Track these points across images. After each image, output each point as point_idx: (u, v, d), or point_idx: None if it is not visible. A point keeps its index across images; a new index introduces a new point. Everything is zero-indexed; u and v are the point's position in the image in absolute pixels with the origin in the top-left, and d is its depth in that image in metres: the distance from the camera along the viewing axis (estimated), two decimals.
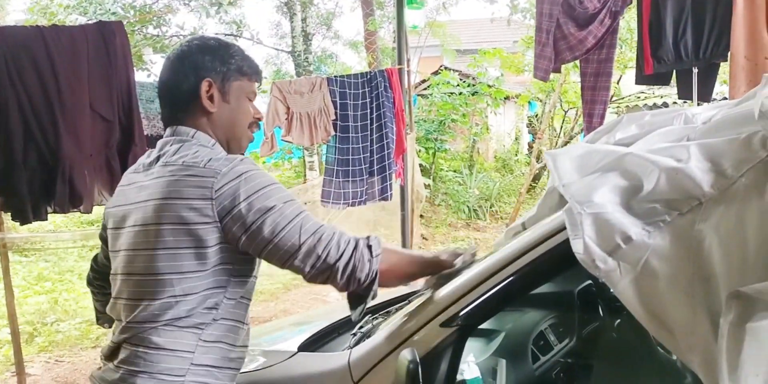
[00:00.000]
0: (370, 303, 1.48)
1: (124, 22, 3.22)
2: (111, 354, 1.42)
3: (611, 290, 2.37)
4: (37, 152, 2.89)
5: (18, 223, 2.95)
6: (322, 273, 1.37)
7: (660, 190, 1.29)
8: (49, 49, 2.87)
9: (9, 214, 2.94)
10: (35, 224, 2.99)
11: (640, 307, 1.26)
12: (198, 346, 1.36)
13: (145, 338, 1.34)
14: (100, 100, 3.02)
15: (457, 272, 1.61)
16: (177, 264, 1.33)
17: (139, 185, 1.42)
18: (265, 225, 1.31)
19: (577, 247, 1.31)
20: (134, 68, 3.25)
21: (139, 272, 1.37)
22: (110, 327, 1.76)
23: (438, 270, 1.63)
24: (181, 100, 1.45)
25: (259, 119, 1.55)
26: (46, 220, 2.98)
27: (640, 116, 1.97)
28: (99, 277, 1.72)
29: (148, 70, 10.21)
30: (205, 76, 1.44)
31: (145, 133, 3.27)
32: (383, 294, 3.08)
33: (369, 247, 1.39)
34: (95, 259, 1.75)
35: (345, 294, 1.49)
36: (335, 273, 1.36)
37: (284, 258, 1.35)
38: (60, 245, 5.56)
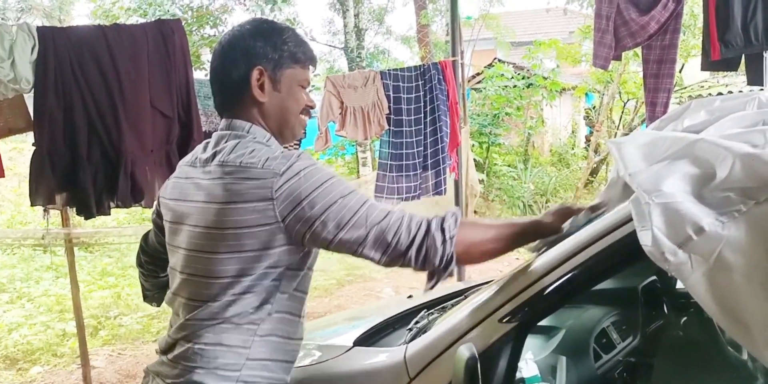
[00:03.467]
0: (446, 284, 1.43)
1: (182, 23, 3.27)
2: (168, 348, 1.42)
3: (678, 286, 2.28)
4: (100, 148, 2.98)
5: (83, 219, 3.04)
6: (394, 260, 1.33)
7: (734, 178, 1.21)
8: (111, 48, 2.94)
9: (74, 208, 3.04)
10: (98, 221, 3.08)
11: (713, 302, 1.19)
12: (254, 341, 1.35)
13: (202, 335, 1.34)
14: (160, 97, 3.09)
15: (566, 236, 1.49)
16: (239, 267, 1.32)
17: (197, 182, 1.39)
18: (329, 220, 1.28)
19: (644, 239, 1.24)
20: (192, 66, 3.31)
21: (200, 274, 1.36)
22: (158, 305, 1.78)
23: (538, 237, 1.51)
24: (232, 89, 1.41)
25: (312, 107, 1.48)
26: (109, 214, 3.07)
27: (710, 102, 1.86)
28: (150, 261, 1.71)
29: (205, 69, 10.43)
30: (256, 63, 1.38)
31: (203, 129, 3.33)
32: (440, 288, 3.04)
33: (443, 229, 1.31)
34: (145, 239, 1.73)
35: None
36: (409, 259, 1.32)
37: (353, 249, 1.32)
38: (123, 241, 5.74)
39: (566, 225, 1.51)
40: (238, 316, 1.33)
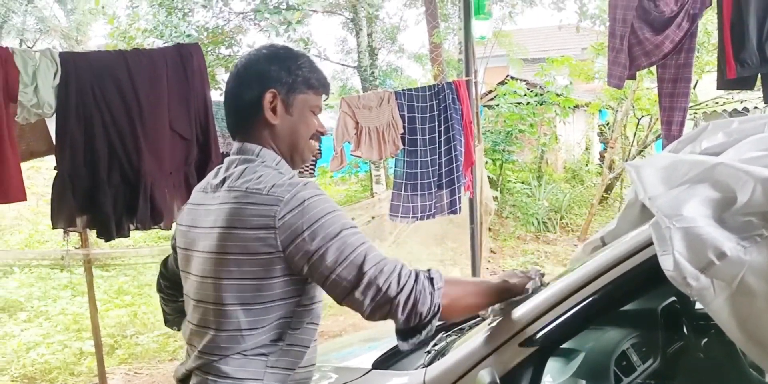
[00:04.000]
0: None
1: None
2: (184, 379, 1.45)
3: (697, 308, 2.26)
4: (120, 171, 3.02)
5: (103, 240, 3.07)
6: (381, 307, 1.30)
7: (756, 202, 1.21)
8: (131, 72, 3.00)
9: (94, 231, 3.07)
10: (116, 240, 3.11)
11: (735, 327, 1.18)
12: (265, 373, 1.35)
13: (214, 367, 1.35)
14: (179, 119, 3.13)
15: (526, 298, 1.52)
16: (242, 295, 1.32)
17: (207, 208, 1.41)
18: (329, 253, 1.27)
19: (666, 264, 1.24)
20: (210, 88, 3.36)
21: (207, 300, 1.37)
22: (179, 329, 1.77)
23: (508, 296, 1.52)
24: (245, 110, 1.42)
25: (323, 133, 1.50)
26: (128, 236, 3.10)
27: (727, 124, 1.87)
28: (169, 285, 1.72)
29: (221, 89, 10.55)
30: (269, 86, 1.40)
31: (221, 150, 3.37)
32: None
33: (431, 279, 1.32)
34: (165, 264, 1.74)
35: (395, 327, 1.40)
36: (396, 307, 1.29)
37: (347, 289, 1.29)
38: (139, 261, 5.77)
39: (530, 286, 1.54)
40: (250, 349, 1.34)
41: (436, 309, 1.31)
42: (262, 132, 1.42)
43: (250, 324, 1.32)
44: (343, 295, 1.30)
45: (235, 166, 1.40)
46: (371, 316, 1.32)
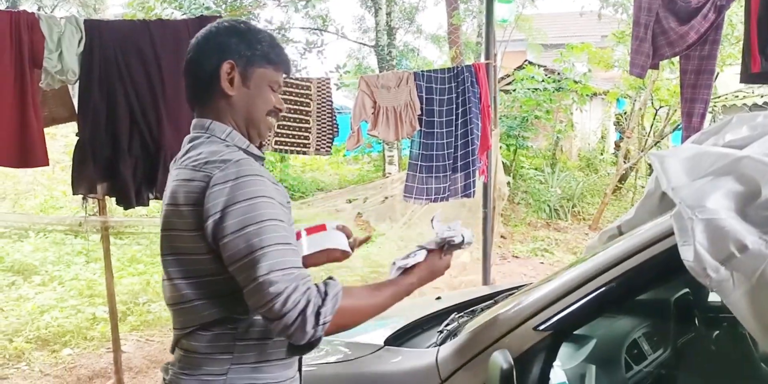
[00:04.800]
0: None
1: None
2: (172, 352, 1.48)
3: (709, 300, 2.27)
4: (141, 141, 3.04)
5: (122, 207, 3.10)
6: (263, 315, 1.25)
7: None
8: (154, 42, 3.00)
9: (113, 198, 3.11)
10: (129, 209, 3.14)
11: (754, 320, 1.19)
12: (235, 346, 1.34)
13: (185, 343, 1.38)
14: None
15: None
16: (184, 269, 1.34)
17: (167, 186, 1.42)
18: (240, 241, 1.23)
19: (686, 254, 1.25)
20: None
21: (165, 277, 1.40)
22: None
23: (405, 295, 1.46)
24: (203, 81, 1.42)
25: (280, 110, 1.48)
26: (148, 205, 3.13)
27: (752, 117, 1.86)
28: None
29: None
30: (227, 57, 1.40)
31: None
32: (467, 291, 3.05)
33: (317, 314, 1.21)
34: None
35: None
36: (275, 326, 1.22)
37: (242, 285, 1.24)
38: (153, 230, 5.82)
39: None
40: (212, 323, 1.34)
41: (315, 341, 1.24)
42: (218, 103, 1.42)
43: (199, 296, 1.32)
44: (242, 286, 1.25)
45: (189, 142, 1.42)
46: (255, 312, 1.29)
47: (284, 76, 1.50)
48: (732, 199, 1.30)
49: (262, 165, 1.45)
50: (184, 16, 9.89)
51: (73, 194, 3.04)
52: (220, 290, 1.33)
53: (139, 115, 3.02)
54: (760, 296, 1.17)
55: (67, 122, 3.30)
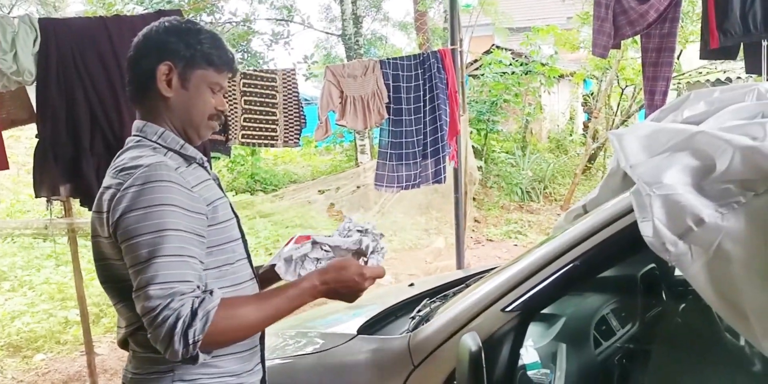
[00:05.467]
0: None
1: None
2: (120, 346, 1.47)
3: (675, 274, 2.31)
4: (103, 139, 2.98)
5: (87, 209, 3.06)
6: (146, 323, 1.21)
7: (734, 170, 1.24)
8: (112, 39, 2.95)
9: (78, 200, 3.06)
10: None
11: (712, 292, 1.22)
12: None
13: (131, 342, 1.38)
14: None
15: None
16: (109, 274, 1.34)
17: None
18: (132, 249, 1.22)
19: (645, 230, 1.27)
20: None
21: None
22: None
23: (302, 303, 1.38)
24: (140, 81, 1.39)
25: (222, 111, 1.45)
26: None
27: (709, 93, 1.89)
28: None
29: None
30: (165, 58, 1.36)
31: None
32: (440, 277, 3.06)
33: (185, 335, 1.17)
34: None
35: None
36: (150, 334, 1.20)
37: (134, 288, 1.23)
38: None
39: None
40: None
41: (190, 358, 1.21)
42: (156, 104, 1.40)
43: (127, 297, 1.27)
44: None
45: (126, 145, 1.42)
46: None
47: (228, 76, 1.46)
48: (688, 173, 1.32)
49: (204, 164, 1.44)
50: (146, 12, 9.72)
51: (36, 197, 2.99)
52: None
53: (100, 114, 2.96)
54: (717, 268, 1.20)
55: (26, 124, 3.24)
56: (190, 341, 1.17)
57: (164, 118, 1.40)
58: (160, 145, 1.37)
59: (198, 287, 1.23)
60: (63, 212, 3.38)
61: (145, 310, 1.18)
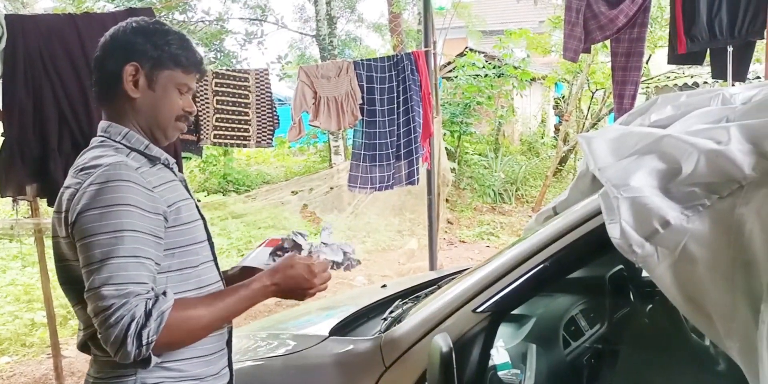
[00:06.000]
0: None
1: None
2: (79, 348, 1.45)
3: (643, 275, 2.35)
4: (71, 139, 2.94)
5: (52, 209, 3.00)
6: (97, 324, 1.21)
7: (699, 173, 1.26)
8: (81, 37, 2.90)
9: (45, 200, 3.00)
10: None
11: (677, 293, 1.24)
12: None
13: (92, 346, 1.35)
14: None
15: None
16: (67, 275, 1.33)
17: None
18: (88, 247, 1.21)
19: (613, 232, 1.29)
20: None
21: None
22: None
23: (258, 300, 1.41)
24: (106, 81, 1.38)
25: (190, 113, 1.45)
26: None
27: (676, 97, 1.93)
28: None
29: None
30: (132, 59, 1.36)
31: None
32: (413, 278, 3.07)
33: (139, 335, 1.17)
34: None
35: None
36: (100, 339, 1.20)
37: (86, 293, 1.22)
38: None
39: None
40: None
41: (143, 361, 1.22)
42: (122, 105, 1.39)
43: (81, 300, 1.26)
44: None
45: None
46: None
47: (195, 77, 1.46)
48: (655, 176, 1.34)
49: (170, 165, 1.43)
50: (116, 10, 9.58)
51: (1, 196, 2.93)
52: None
53: (69, 113, 2.92)
54: (682, 270, 1.22)
55: None
56: (144, 342, 1.17)
57: (130, 119, 1.39)
58: (124, 145, 1.37)
59: (152, 289, 1.23)
60: (30, 212, 3.31)
61: (98, 310, 1.18)
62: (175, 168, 1.47)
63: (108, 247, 1.20)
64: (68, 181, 1.30)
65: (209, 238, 1.47)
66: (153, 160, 1.38)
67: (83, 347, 1.40)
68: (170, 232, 1.32)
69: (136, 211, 1.23)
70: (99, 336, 1.19)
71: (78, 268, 1.26)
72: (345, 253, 1.56)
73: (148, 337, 1.17)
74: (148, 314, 1.18)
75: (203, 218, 1.46)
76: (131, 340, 1.16)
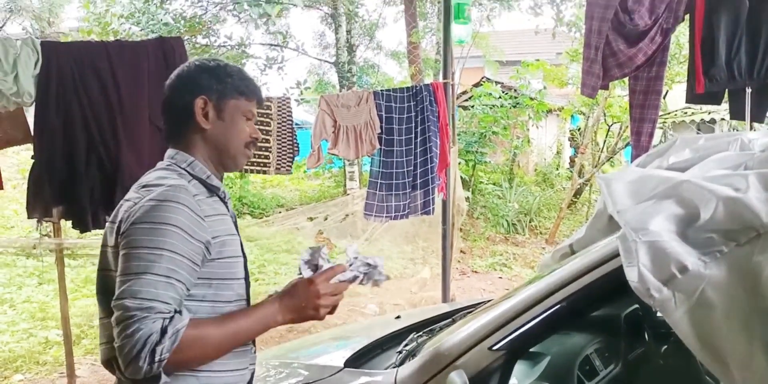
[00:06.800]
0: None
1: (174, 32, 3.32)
2: (104, 365, 1.50)
3: (658, 315, 2.35)
4: (98, 163, 3.01)
5: (78, 231, 3.06)
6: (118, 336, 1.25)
7: (717, 220, 1.28)
8: (112, 64, 2.99)
9: (70, 221, 3.06)
10: None
11: (694, 338, 1.25)
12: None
13: (112, 364, 1.38)
14: (158, 113, 3.12)
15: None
16: (104, 284, 1.39)
17: None
18: (126, 257, 1.28)
19: (631, 275, 1.31)
20: None
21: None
22: None
23: (265, 330, 1.44)
24: (178, 117, 1.48)
25: (257, 139, 1.55)
26: (104, 228, 3.08)
27: (694, 140, 1.95)
28: None
29: None
30: (200, 93, 1.46)
31: None
32: (426, 309, 3.07)
33: (153, 352, 1.21)
34: None
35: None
36: (118, 346, 1.24)
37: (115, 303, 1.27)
38: None
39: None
40: None
41: (153, 378, 1.25)
42: (193, 137, 1.48)
43: (108, 312, 1.32)
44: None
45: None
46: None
47: (256, 104, 1.56)
48: (673, 221, 1.36)
49: (225, 200, 1.50)
50: (142, 32, 9.79)
51: (28, 218, 2.99)
52: None
53: (97, 137, 2.99)
54: (699, 315, 1.23)
55: (22, 144, 3.26)
56: (156, 359, 1.21)
57: (198, 150, 1.48)
58: (188, 172, 1.45)
59: (175, 311, 1.27)
60: (53, 232, 3.37)
61: (120, 319, 1.23)
62: (230, 203, 1.54)
63: (146, 261, 1.26)
64: (129, 194, 1.40)
65: (246, 277, 1.51)
66: (211, 190, 1.46)
67: (108, 364, 1.44)
68: (211, 264, 1.37)
69: (181, 233, 1.30)
70: (115, 345, 1.23)
71: (110, 277, 1.32)
72: (376, 267, 1.58)
73: (161, 354, 1.21)
74: (163, 331, 1.22)
75: (245, 257, 1.52)
76: (144, 355, 1.20)
